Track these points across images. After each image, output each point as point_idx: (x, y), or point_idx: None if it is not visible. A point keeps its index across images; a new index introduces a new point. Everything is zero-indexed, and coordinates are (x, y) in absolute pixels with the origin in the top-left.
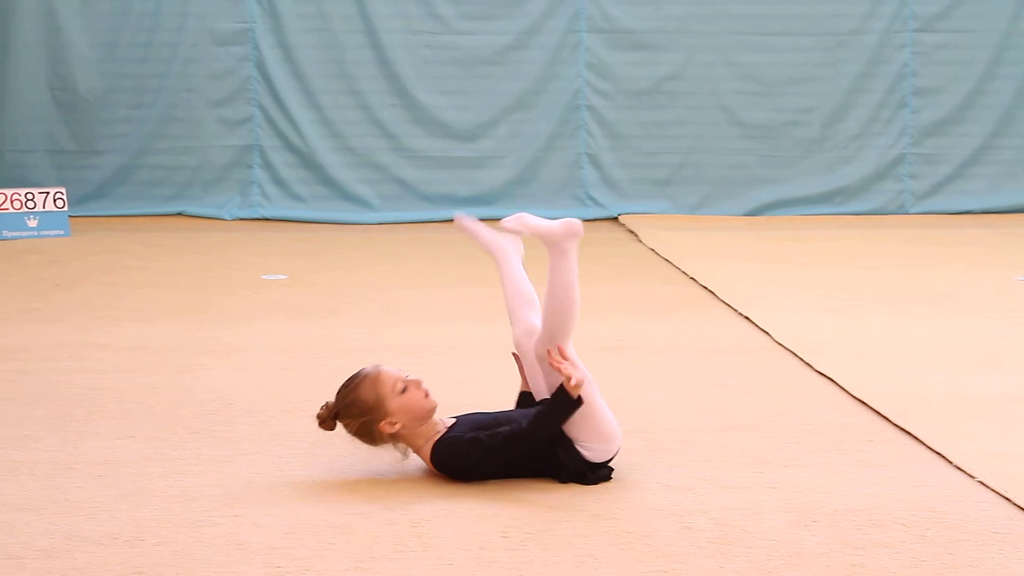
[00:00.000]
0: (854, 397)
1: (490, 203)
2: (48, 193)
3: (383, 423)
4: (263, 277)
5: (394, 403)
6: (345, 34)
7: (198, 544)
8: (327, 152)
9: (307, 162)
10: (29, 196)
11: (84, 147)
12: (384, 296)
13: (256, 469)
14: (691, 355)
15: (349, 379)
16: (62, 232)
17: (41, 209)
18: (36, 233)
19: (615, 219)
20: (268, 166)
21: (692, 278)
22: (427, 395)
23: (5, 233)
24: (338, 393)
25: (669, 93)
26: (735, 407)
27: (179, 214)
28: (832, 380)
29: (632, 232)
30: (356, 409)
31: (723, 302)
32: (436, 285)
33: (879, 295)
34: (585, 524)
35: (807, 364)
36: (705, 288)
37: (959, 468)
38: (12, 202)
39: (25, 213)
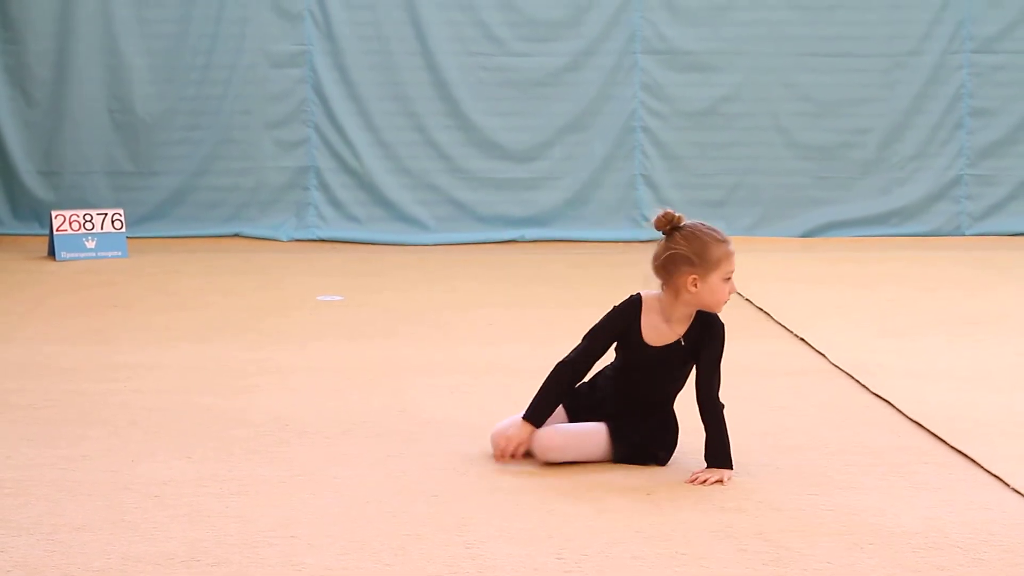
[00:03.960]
0: (910, 419)
1: (545, 224)
2: (106, 214)
3: (692, 277)
4: (319, 298)
5: (714, 279)
6: (401, 56)
7: (254, 565)
8: (383, 173)
9: (363, 183)
10: (87, 217)
11: (142, 168)
12: (440, 317)
13: (311, 490)
14: (746, 377)
15: (714, 231)
16: (120, 253)
17: (99, 230)
18: (94, 254)
19: None
20: (324, 187)
21: (747, 299)
22: (726, 300)
23: (63, 254)
24: (700, 227)
25: (725, 114)
26: (790, 429)
27: (236, 235)
28: (888, 402)
29: None
30: (698, 249)
31: (778, 323)
32: (492, 306)
33: (935, 317)
34: (640, 546)
35: (863, 386)
36: (760, 309)
37: (1016, 491)
38: (71, 223)
39: (83, 234)
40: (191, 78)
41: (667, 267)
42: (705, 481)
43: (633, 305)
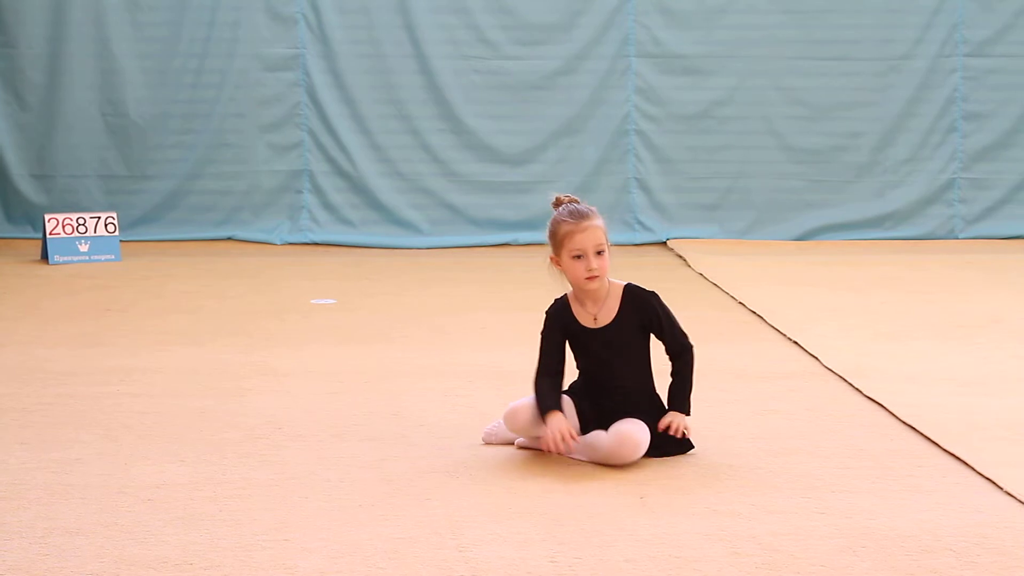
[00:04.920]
0: (903, 422)
1: (538, 228)
2: (99, 218)
3: (552, 257)
4: (312, 302)
5: (564, 257)
6: (395, 59)
7: (247, 568)
8: (376, 177)
9: (356, 187)
10: (80, 221)
11: (135, 172)
12: (433, 320)
13: (304, 493)
14: (739, 380)
15: (581, 211)
16: (113, 257)
17: (92, 234)
18: (87, 258)
19: (663, 244)
20: (317, 191)
21: (741, 303)
22: (590, 278)
23: (57, 258)
24: (563, 209)
25: (718, 118)
26: (784, 432)
27: (229, 239)
28: (881, 405)
29: (680, 257)
30: (551, 230)
31: (772, 327)
32: (485, 309)
33: (928, 320)
34: (633, 549)
35: (856, 389)
36: (754, 313)
37: (1009, 494)
38: (64, 227)
39: (76, 238)
40: (184, 81)
41: None
42: (675, 429)
43: (559, 303)
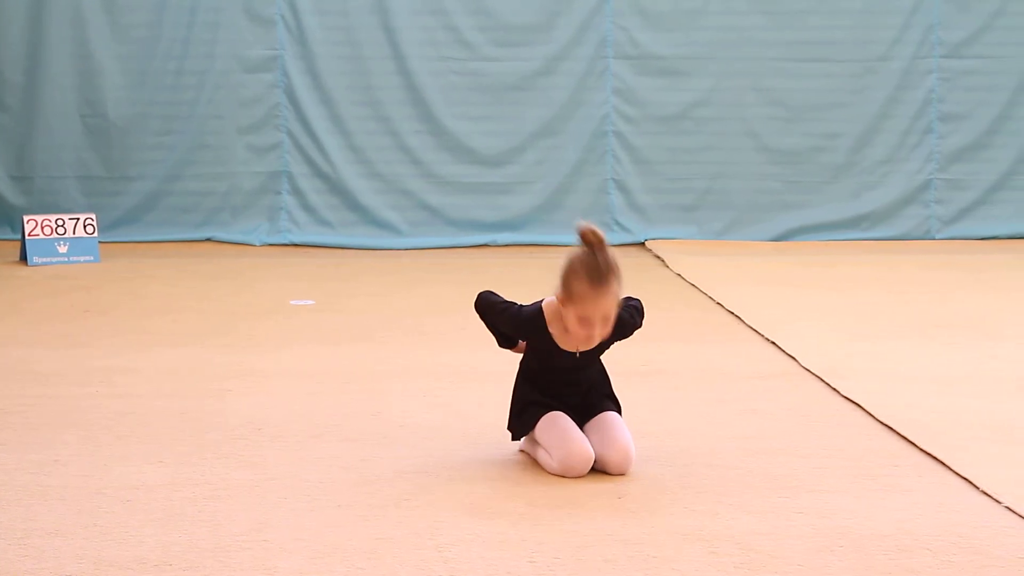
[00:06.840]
0: (880, 422)
1: (517, 229)
2: (78, 219)
3: (560, 296)
4: (291, 303)
5: (570, 312)
6: (373, 61)
7: (226, 569)
8: (355, 178)
9: (335, 188)
10: (59, 222)
11: (114, 173)
12: (412, 321)
13: (284, 494)
14: (717, 380)
15: (601, 272)
16: (92, 258)
17: (71, 235)
18: (66, 259)
19: (642, 244)
20: (296, 192)
21: (718, 303)
22: (588, 338)
23: (35, 259)
24: (586, 257)
25: (696, 119)
26: (761, 432)
27: (208, 240)
28: (858, 405)
29: (659, 257)
30: (567, 274)
31: (749, 327)
32: (464, 310)
33: (905, 320)
34: (611, 549)
35: (833, 389)
36: (731, 313)
37: (986, 493)
38: (42, 228)
39: (55, 239)
40: (164, 83)
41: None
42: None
43: (536, 317)
